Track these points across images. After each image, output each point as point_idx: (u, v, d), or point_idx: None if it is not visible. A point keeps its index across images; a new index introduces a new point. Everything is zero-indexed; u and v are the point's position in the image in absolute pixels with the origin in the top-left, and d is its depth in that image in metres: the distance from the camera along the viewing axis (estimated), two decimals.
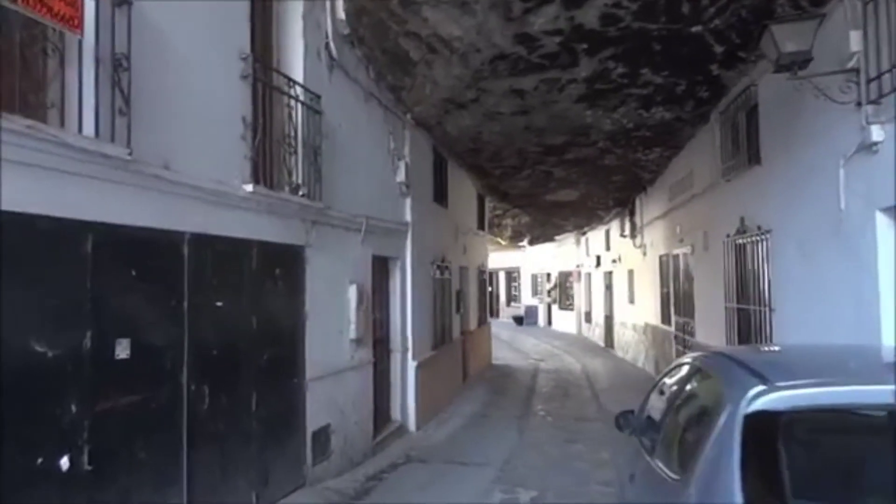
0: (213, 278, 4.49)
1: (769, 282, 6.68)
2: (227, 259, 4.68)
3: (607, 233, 19.31)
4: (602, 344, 19.93)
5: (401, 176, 8.40)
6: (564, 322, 25.65)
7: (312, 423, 5.86)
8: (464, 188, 13.08)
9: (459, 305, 12.30)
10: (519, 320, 28.24)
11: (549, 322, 27.51)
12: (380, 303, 8.04)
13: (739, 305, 7.78)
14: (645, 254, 14.65)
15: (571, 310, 25.17)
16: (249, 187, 4.82)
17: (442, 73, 7.18)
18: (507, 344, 20.17)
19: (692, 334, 10.45)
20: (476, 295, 14.51)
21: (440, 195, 10.68)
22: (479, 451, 7.66)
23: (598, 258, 20.42)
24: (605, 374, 14.29)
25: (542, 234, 23.63)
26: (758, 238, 6.94)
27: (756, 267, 7.09)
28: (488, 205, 16.69)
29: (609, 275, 19.54)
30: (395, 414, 8.37)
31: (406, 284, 8.61)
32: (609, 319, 19.64)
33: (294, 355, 5.64)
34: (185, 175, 4.14)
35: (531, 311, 28.52)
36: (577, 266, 24.17)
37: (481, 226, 15.50)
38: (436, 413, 9.70)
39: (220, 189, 4.52)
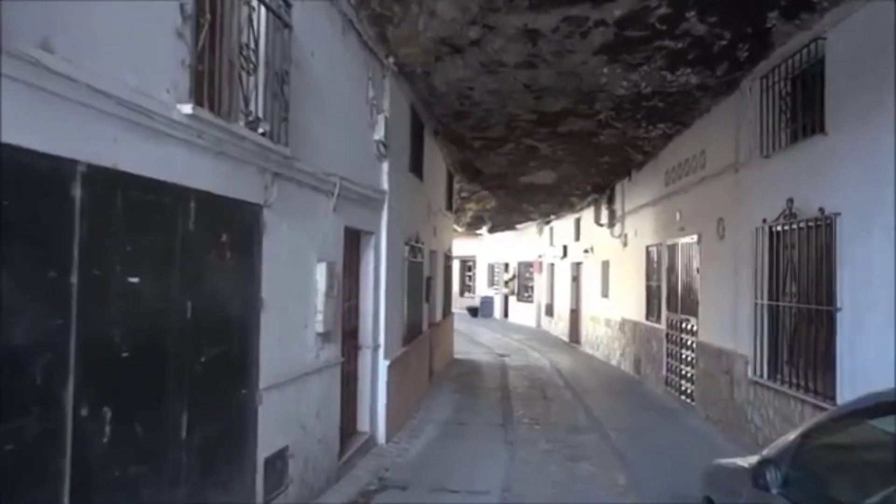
0: (123, 240, 2.89)
1: (832, 275, 5.52)
2: (148, 212, 3.08)
3: (577, 221, 18.21)
4: (566, 339, 18.87)
5: (379, 133, 6.86)
6: (522, 315, 24.57)
7: (266, 446, 4.31)
8: (435, 163, 11.60)
9: (429, 294, 10.85)
10: (473, 312, 27.00)
11: (506, 314, 26.38)
12: (350, 288, 6.51)
13: (775, 303, 6.63)
14: (625, 244, 13.56)
15: (530, 302, 24.09)
16: (187, 108, 3.22)
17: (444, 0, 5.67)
18: (465, 336, 18.83)
19: (692, 333, 9.34)
20: (442, 283, 13.08)
21: (416, 165, 9.17)
22: (466, 472, 6.26)
23: (565, 248, 19.33)
24: (580, 373, 13.14)
25: (505, 221, 22.40)
26: (816, 223, 5.77)
27: (810, 257, 5.92)
28: (455, 185, 15.26)
29: (577, 266, 18.47)
30: (363, 424, 6.86)
31: (380, 266, 7.09)
32: (575, 313, 18.59)
33: (244, 357, 4.07)
34: (80, 68, 2.52)
35: (487, 303, 27.33)
36: (539, 256, 23.07)
37: (449, 207, 14.06)
38: (406, 420, 8.24)
39: (141, 103, 2.91)
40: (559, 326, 20.35)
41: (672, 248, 10.40)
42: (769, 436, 6.55)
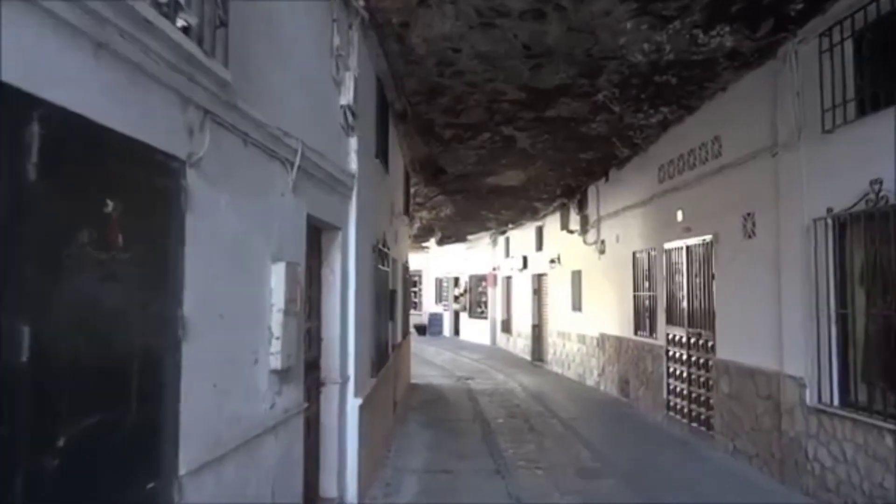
0: None
1: None
2: None
3: (540, 230, 16.89)
4: (529, 358, 17.43)
5: (347, 96, 5.16)
6: (475, 332, 23.03)
7: None
8: (396, 158, 9.94)
9: (394, 310, 9.13)
10: (421, 330, 25.29)
11: (457, 332, 24.80)
12: (311, 303, 4.76)
13: (846, 311, 5.32)
14: (602, 251, 12.26)
15: (484, 318, 22.60)
16: None
17: None
18: (417, 357, 17.06)
19: (706, 350, 8.01)
20: (403, 298, 11.35)
21: (383, 151, 7.49)
22: None
23: (525, 259, 17.97)
24: (558, 397, 11.66)
25: (457, 232, 20.90)
26: None
27: None
28: (411, 189, 13.61)
29: (540, 278, 17.13)
30: (328, 486, 5.05)
31: (349, 273, 5.36)
32: (538, 329, 17.21)
33: (151, 423, 2.28)
34: None
35: (435, 320, 25.69)
36: (494, 269, 21.66)
37: (407, 211, 12.40)
38: (376, 469, 6.47)
39: None
40: (519, 344, 18.91)
41: (672, 253, 9.11)
42: (848, 479, 5.20)
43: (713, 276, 7.82)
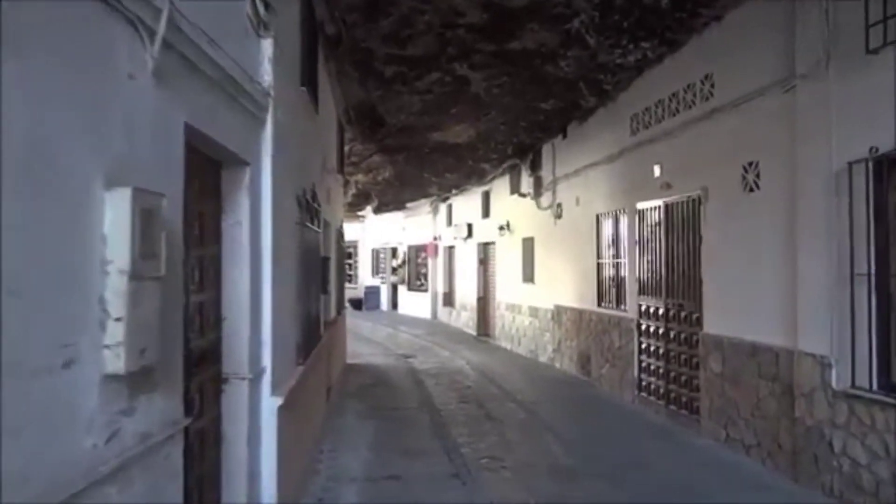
0: None
1: None
2: None
3: (486, 195, 15.66)
4: (474, 333, 16.31)
5: None
6: (415, 305, 21.75)
7: None
8: (328, 102, 8.40)
9: (327, 282, 7.67)
10: (357, 304, 23.77)
11: (395, 306, 23.44)
12: (203, 265, 3.29)
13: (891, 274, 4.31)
14: (559, 216, 11.15)
15: (424, 291, 21.32)
16: None
17: None
18: (353, 333, 15.57)
19: (691, 323, 7.00)
20: (336, 268, 9.87)
21: (310, 82, 5.95)
22: None
23: (470, 227, 16.74)
24: (512, 377, 10.55)
25: (395, 198, 19.41)
26: None
27: None
28: (346, 146, 12.04)
29: (486, 247, 15.95)
30: None
31: (262, 228, 3.89)
32: (484, 302, 16.08)
33: None
34: None
35: (372, 293, 24.24)
36: (435, 238, 20.36)
37: (341, 170, 10.86)
38: (305, 480, 5.10)
39: None
40: (462, 317, 17.76)
41: (646, 214, 8.03)
42: (893, 479, 4.22)
43: (700, 239, 6.77)
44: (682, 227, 7.19)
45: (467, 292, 17.28)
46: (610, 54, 7.34)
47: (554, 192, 11.41)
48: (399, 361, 12.39)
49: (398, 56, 7.33)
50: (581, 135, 10.17)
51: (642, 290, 8.12)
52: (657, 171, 7.68)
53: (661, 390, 7.62)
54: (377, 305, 24.05)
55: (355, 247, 25.55)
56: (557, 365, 11.21)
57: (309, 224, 5.74)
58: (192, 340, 3.02)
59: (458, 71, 7.84)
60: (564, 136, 10.88)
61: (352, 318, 19.06)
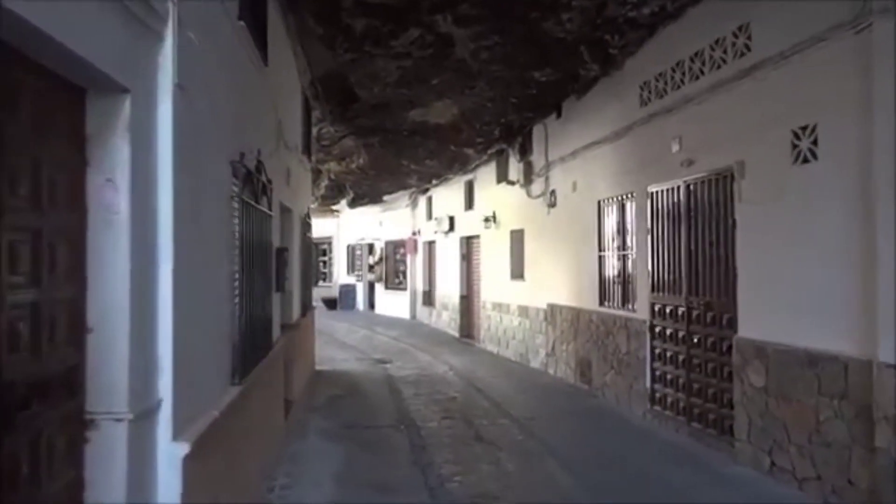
0: None
1: None
2: None
3: (470, 185, 14.45)
4: (456, 334, 15.09)
5: None
6: (393, 305, 20.45)
7: None
8: (286, 67, 7.13)
9: (281, 276, 6.38)
10: (332, 303, 22.45)
11: (372, 305, 22.11)
12: (41, 243, 2.02)
13: None
14: (552, 205, 9.99)
15: (403, 289, 20.04)
16: None
17: None
18: (326, 336, 14.31)
19: (722, 325, 5.85)
20: (300, 262, 8.56)
21: (254, 18, 4.67)
22: None
23: (452, 220, 15.52)
24: (502, 386, 9.34)
25: (372, 190, 18.07)
26: None
27: None
28: (313, 128, 10.73)
29: (470, 241, 14.75)
30: None
31: (158, 189, 2.63)
32: (467, 301, 14.88)
33: None
34: None
35: (348, 292, 22.89)
36: (414, 234, 19.09)
37: (307, 150, 9.56)
38: None
39: None
40: (444, 318, 16.52)
41: (661, 197, 6.88)
42: None
43: (733, 223, 5.62)
44: (709, 210, 6.04)
45: (449, 291, 16.05)
46: (619, 9, 6.17)
47: (546, 179, 10.24)
48: (375, 367, 11.12)
49: (369, 4, 6.07)
50: (579, 111, 9.00)
51: (656, 287, 6.97)
52: (675, 146, 6.52)
53: (682, 404, 6.47)
54: (353, 305, 22.72)
55: (330, 243, 24.20)
56: (552, 371, 10.04)
57: (253, 203, 4.47)
58: (8, 366, 1.76)
59: (440, 27, 6.60)
60: (559, 115, 9.71)
61: (325, 319, 17.79)
